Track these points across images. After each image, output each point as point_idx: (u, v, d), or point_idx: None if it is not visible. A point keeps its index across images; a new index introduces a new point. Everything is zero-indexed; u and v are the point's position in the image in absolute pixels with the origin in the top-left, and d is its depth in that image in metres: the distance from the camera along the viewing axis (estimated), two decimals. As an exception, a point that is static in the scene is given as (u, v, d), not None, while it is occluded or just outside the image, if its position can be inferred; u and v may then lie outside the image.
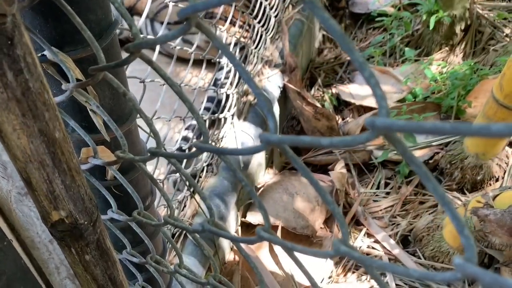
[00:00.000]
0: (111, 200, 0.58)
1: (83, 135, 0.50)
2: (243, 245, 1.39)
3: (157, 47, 0.84)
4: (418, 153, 1.58)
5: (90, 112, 0.51)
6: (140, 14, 1.82)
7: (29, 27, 0.43)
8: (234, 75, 1.46)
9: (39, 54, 0.46)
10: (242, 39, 1.50)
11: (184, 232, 1.21)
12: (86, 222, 0.44)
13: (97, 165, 0.59)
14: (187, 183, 1.23)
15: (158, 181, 1.04)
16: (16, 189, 0.64)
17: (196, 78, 1.64)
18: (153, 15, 1.72)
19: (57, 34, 0.45)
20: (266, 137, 0.25)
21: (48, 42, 0.44)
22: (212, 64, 1.37)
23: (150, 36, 0.96)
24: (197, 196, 1.29)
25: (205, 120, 1.34)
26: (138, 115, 0.47)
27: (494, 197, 1.08)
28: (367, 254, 1.44)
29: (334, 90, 2.04)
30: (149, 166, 0.96)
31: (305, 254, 0.31)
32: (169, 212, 0.49)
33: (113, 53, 0.51)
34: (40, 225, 0.70)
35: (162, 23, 1.73)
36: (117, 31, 0.50)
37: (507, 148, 1.40)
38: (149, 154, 0.39)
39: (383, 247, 1.44)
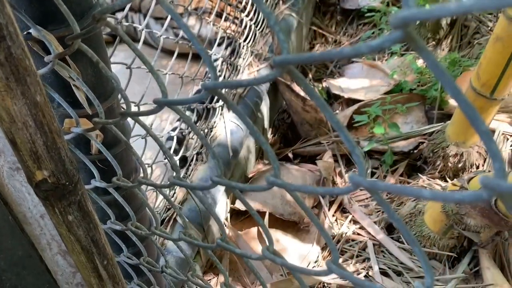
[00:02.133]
0: (94, 171, 0.63)
1: (67, 107, 0.54)
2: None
3: (142, 37, 0.89)
4: (403, 143, 1.63)
5: (73, 87, 0.55)
6: (134, 10, 1.87)
7: (15, 6, 0.48)
8: (227, 68, 1.51)
9: (25, 32, 0.51)
10: (230, 32, 1.55)
11: (174, 216, 1.26)
12: (67, 183, 0.49)
13: (82, 139, 0.64)
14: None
15: (146, 165, 1.09)
16: (8, 164, 0.69)
17: (183, 69, 1.69)
18: (146, 10, 1.77)
19: (41, 14, 0.50)
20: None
21: (33, 21, 0.49)
22: (197, 57, 1.42)
23: (137, 25, 1.01)
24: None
25: (192, 110, 1.38)
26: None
27: (469, 180, 1.13)
28: (353, 240, 1.48)
29: (324, 84, 2.09)
30: (138, 151, 1.01)
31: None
32: (145, 174, 0.54)
33: (94, 35, 0.56)
34: (31, 200, 0.75)
35: (154, 18, 1.78)
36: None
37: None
38: (120, 116, 0.44)
39: (368, 233, 1.49)
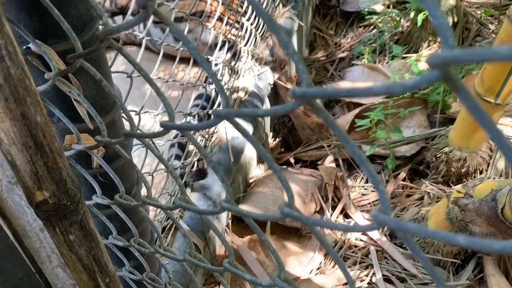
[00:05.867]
0: (96, 186, 0.61)
1: (67, 123, 0.53)
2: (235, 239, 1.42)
3: (143, 43, 0.87)
4: (405, 147, 1.62)
5: (74, 102, 0.54)
6: (133, 14, 1.85)
7: (14, 21, 0.46)
8: (228, 72, 1.49)
9: (24, 47, 0.49)
10: (231, 36, 1.54)
11: (175, 225, 1.24)
12: (69, 203, 0.47)
13: (83, 154, 0.62)
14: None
15: (147, 174, 1.07)
16: (7, 178, 0.67)
17: (182, 73, 1.67)
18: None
19: (41, 28, 0.48)
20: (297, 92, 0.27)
21: (32, 35, 0.47)
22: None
23: (137, 33, 1.00)
24: (188, 190, 1.32)
25: (194, 116, 1.37)
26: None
27: (474, 187, 1.12)
28: (355, 246, 1.47)
29: (325, 87, 2.07)
30: (137, 159, 0.99)
31: None
32: (148, 193, 0.52)
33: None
34: (31, 213, 0.73)
35: (154, 22, 1.77)
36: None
37: (490, 141, 1.43)
38: (123, 137, 0.43)
39: (371, 239, 1.47)
